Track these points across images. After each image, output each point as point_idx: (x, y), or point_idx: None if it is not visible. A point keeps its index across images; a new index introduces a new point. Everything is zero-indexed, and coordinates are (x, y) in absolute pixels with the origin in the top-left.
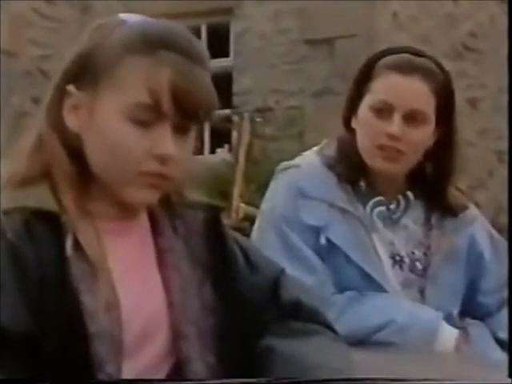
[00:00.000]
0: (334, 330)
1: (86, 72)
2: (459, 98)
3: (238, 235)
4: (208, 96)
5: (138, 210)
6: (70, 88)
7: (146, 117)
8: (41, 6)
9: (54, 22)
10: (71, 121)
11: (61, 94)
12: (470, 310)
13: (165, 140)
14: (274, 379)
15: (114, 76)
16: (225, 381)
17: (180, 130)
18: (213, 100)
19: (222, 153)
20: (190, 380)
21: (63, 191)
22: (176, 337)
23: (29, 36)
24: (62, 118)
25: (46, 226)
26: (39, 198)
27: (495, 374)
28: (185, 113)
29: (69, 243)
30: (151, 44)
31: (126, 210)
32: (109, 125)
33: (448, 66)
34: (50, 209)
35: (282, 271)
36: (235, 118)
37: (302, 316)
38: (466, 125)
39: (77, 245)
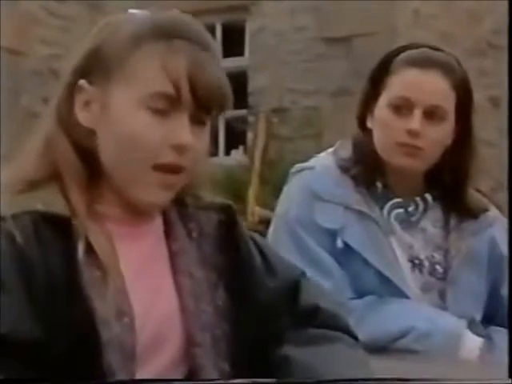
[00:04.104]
0: (354, 336)
1: (97, 66)
2: (481, 97)
3: (256, 236)
4: (224, 86)
5: (151, 214)
6: (82, 83)
7: (164, 106)
8: (50, 4)
9: (63, 20)
10: (84, 117)
11: (71, 91)
12: (496, 317)
13: (182, 129)
14: (283, 381)
15: (128, 67)
16: (237, 381)
17: (196, 121)
18: (228, 91)
19: (237, 154)
20: (203, 380)
21: (73, 193)
22: (189, 344)
23: (38, 34)
24: (74, 116)
25: (56, 230)
26: (49, 201)
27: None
28: (201, 102)
29: (80, 247)
30: (163, 33)
31: (139, 214)
32: (125, 116)
33: (471, 63)
34: (60, 212)
35: (303, 274)
36: (251, 119)
37: (321, 322)
38: (488, 124)
39: (88, 249)
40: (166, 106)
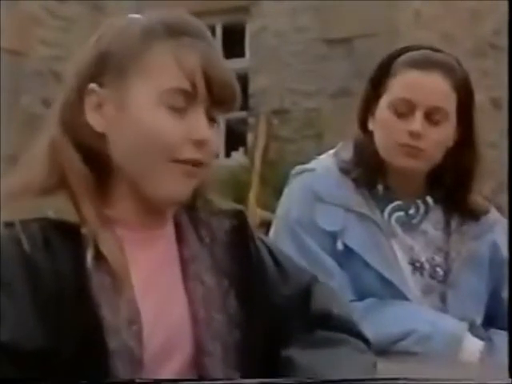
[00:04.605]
0: (365, 339)
1: (107, 69)
2: (482, 98)
3: (268, 240)
4: (235, 82)
5: (164, 218)
6: (93, 87)
7: (182, 102)
8: (51, 5)
9: (64, 21)
10: (96, 120)
11: (79, 96)
12: (497, 320)
13: (201, 125)
14: (289, 380)
15: (142, 65)
16: (244, 381)
17: (209, 117)
18: (238, 88)
19: (238, 156)
20: (210, 380)
21: (82, 200)
22: (199, 352)
23: (39, 35)
24: (83, 120)
25: (65, 236)
26: (59, 207)
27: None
28: (215, 98)
29: (89, 254)
30: (171, 31)
31: (152, 219)
32: (144, 114)
33: (472, 64)
34: (69, 219)
35: (315, 278)
36: (251, 120)
37: (331, 326)
38: (489, 125)
39: (97, 256)
40: (183, 102)
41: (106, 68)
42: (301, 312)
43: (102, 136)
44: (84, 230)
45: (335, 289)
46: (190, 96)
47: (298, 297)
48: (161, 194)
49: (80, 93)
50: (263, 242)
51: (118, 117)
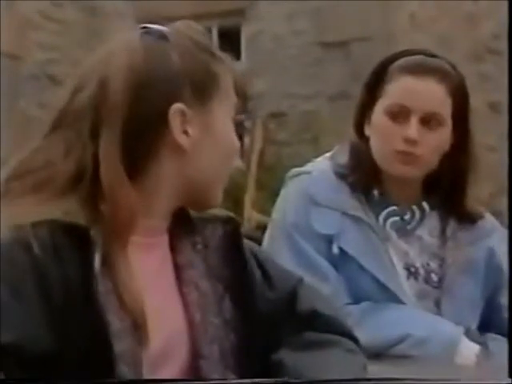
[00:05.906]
0: (354, 339)
1: (191, 90)
2: (480, 102)
3: (255, 247)
4: None
5: (164, 225)
6: (181, 107)
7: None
8: (47, 9)
9: (60, 25)
10: (184, 139)
11: (161, 118)
12: (495, 325)
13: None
14: (282, 380)
15: (219, 85)
16: (237, 381)
17: None
18: None
19: None
20: (205, 380)
21: (94, 206)
22: (196, 356)
23: (35, 39)
24: (158, 142)
25: (74, 240)
26: (69, 210)
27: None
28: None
29: (97, 259)
30: (210, 45)
31: (158, 225)
32: (225, 130)
33: (470, 68)
34: (78, 222)
35: (300, 281)
36: (247, 124)
37: (319, 326)
38: (487, 129)
39: (104, 261)
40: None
41: (186, 89)
42: (288, 315)
43: (182, 153)
44: (93, 233)
45: (323, 290)
46: (235, 108)
47: (284, 300)
48: (218, 202)
49: (161, 116)
50: (250, 249)
51: (201, 137)
